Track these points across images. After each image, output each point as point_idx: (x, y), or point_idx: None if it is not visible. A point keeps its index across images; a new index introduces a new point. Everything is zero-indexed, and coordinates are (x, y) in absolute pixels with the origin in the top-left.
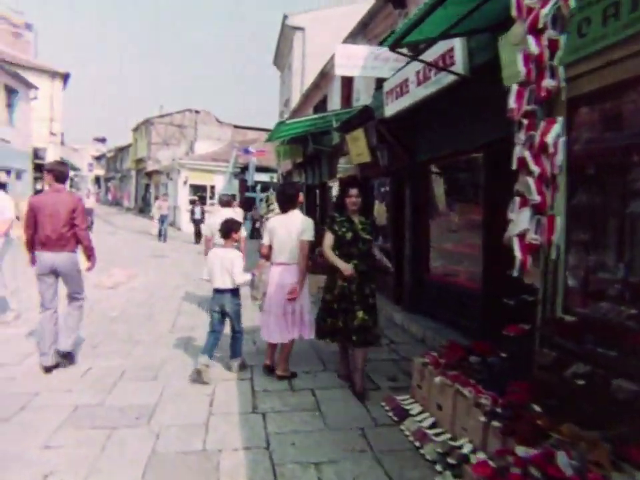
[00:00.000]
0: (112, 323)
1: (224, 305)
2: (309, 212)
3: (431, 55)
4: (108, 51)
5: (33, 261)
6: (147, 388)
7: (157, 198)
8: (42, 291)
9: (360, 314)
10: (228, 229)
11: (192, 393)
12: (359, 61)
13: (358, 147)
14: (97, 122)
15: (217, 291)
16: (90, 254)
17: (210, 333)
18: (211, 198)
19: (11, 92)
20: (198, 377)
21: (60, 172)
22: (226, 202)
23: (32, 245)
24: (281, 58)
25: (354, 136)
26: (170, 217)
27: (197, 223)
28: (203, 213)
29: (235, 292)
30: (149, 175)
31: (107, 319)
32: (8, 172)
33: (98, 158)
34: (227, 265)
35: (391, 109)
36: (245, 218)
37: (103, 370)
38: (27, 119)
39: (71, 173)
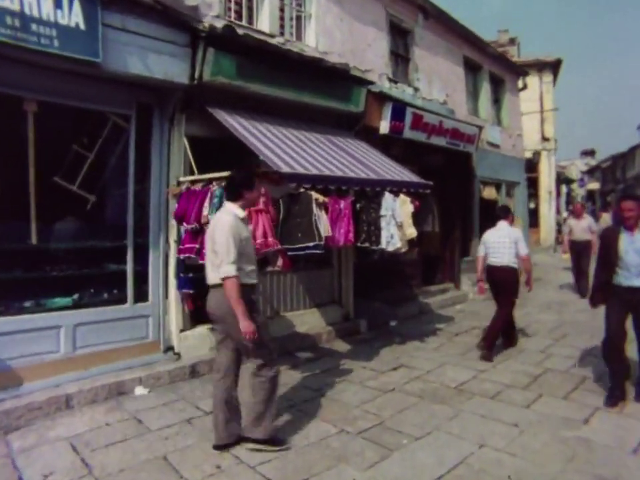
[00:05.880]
0: None
1: None
2: None
3: None
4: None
5: None
6: None
7: None
8: None
9: None
10: None
11: None
12: None
13: None
14: (583, 136)
15: None
16: None
17: None
18: None
19: (497, 83)
20: None
21: None
22: None
23: None
24: None
25: None
26: None
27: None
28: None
29: None
30: None
31: None
32: (498, 186)
33: (589, 172)
34: None
35: None
36: None
37: None
38: (516, 117)
39: (565, 189)
